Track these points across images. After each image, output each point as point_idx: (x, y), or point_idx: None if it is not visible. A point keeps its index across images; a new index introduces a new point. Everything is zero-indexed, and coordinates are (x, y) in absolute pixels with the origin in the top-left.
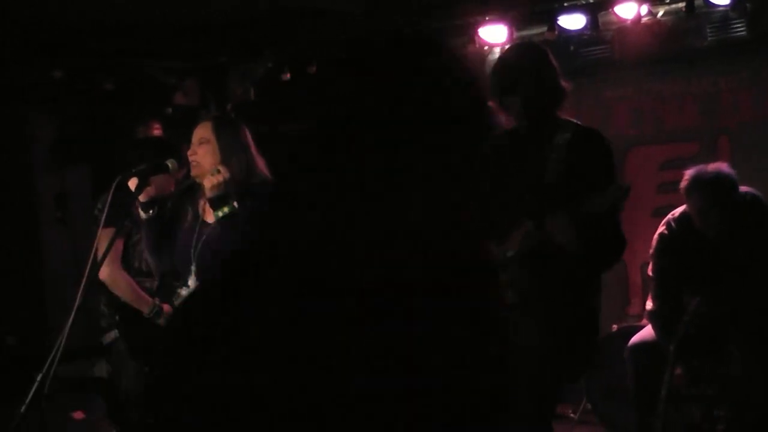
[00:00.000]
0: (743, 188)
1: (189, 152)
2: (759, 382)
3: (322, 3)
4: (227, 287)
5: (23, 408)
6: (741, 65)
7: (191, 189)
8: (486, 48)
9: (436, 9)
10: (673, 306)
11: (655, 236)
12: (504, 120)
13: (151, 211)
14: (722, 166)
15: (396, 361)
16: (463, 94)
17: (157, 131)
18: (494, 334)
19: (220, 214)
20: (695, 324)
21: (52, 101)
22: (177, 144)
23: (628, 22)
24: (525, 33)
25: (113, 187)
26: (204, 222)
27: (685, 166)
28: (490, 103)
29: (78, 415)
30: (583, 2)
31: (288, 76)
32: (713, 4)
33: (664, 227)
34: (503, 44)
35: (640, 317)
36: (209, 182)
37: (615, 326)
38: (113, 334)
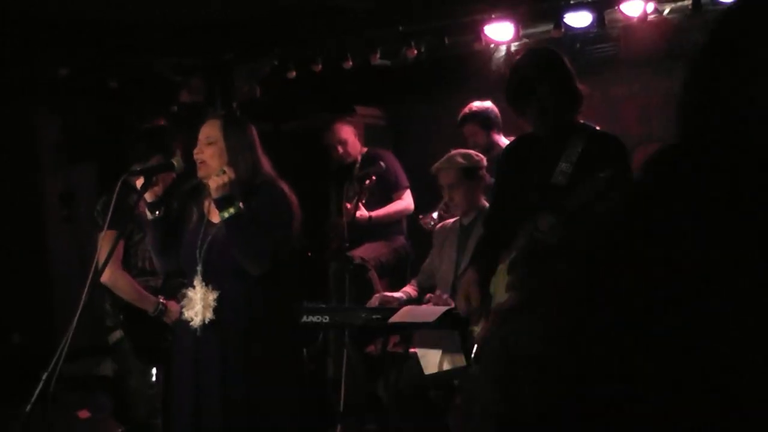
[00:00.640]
0: None
1: (196, 151)
2: None
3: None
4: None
5: (29, 407)
6: None
7: (196, 189)
8: (492, 46)
9: (442, 6)
10: None
11: None
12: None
13: (157, 212)
14: None
15: None
16: None
17: None
18: None
19: (226, 214)
20: None
21: (57, 99)
22: (177, 135)
23: (635, 19)
24: (531, 31)
25: (117, 188)
26: (209, 222)
27: None
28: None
29: (83, 413)
30: (590, 0)
31: (294, 74)
32: (719, 1)
33: None
34: (509, 42)
35: None
36: (215, 183)
37: None
38: (119, 333)
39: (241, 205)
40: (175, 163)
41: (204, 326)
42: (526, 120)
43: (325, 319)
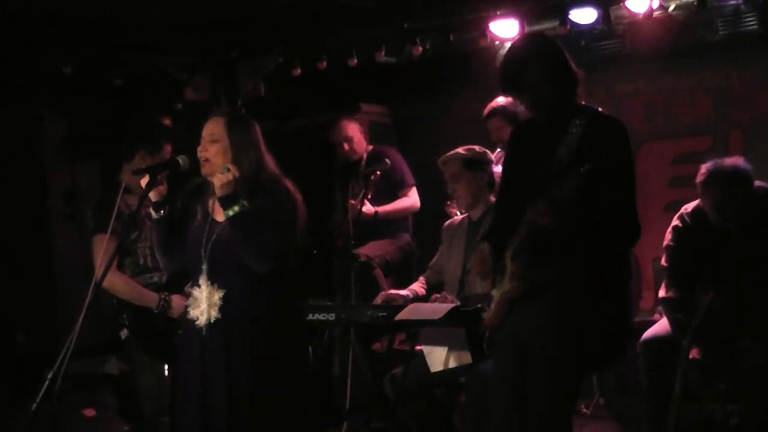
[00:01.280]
0: (757, 183)
1: (199, 148)
2: None
3: None
4: None
5: (34, 405)
6: (753, 59)
7: (200, 187)
8: (497, 43)
9: (447, 3)
10: (686, 292)
11: (669, 229)
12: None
13: (162, 211)
14: (739, 161)
15: None
16: None
17: None
18: None
19: (231, 212)
20: (708, 319)
21: (61, 98)
22: (169, 132)
23: (640, 16)
24: (536, 27)
25: (120, 192)
26: (214, 220)
27: (698, 161)
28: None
29: (89, 412)
30: None
31: (298, 71)
32: None
33: (678, 221)
34: (514, 39)
35: (652, 312)
36: (219, 181)
37: None
38: (127, 330)
39: (245, 203)
40: (180, 161)
41: (209, 325)
42: (521, 104)
43: (331, 316)
